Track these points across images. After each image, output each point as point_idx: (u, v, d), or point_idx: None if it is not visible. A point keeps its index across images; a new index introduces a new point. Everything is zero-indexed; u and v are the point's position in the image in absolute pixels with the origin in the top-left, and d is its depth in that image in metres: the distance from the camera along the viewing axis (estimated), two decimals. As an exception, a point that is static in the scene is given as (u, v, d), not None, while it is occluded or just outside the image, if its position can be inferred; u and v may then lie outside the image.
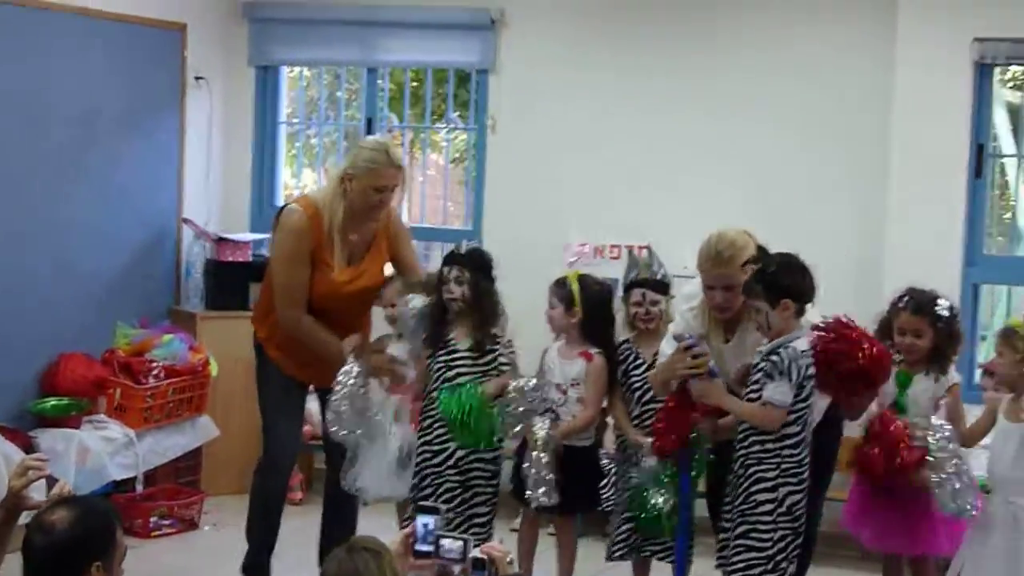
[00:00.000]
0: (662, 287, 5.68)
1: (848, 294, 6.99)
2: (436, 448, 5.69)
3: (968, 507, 4.96)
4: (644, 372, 5.60)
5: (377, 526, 5.45)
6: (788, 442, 5.07)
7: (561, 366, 5.79)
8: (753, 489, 5.11)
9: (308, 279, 5.67)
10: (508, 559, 3.91)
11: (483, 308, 5.65)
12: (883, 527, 5.34)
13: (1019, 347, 5.03)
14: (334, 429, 5.64)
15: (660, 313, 5.65)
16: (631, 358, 5.69)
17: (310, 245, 5.66)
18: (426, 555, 4.06)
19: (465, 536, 4.02)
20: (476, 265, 5.68)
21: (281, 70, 8.89)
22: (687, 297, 5.53)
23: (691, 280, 5.50)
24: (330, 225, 5.64)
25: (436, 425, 5.69)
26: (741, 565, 5.15)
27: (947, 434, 5.01)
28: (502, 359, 5.67)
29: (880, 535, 5.39)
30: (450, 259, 5.70)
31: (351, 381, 5.60)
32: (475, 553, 3.93)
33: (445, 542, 4.00)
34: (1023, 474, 4.94)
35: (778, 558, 5.11)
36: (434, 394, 5.70)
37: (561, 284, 5.82)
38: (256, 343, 5.99)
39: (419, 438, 5.77)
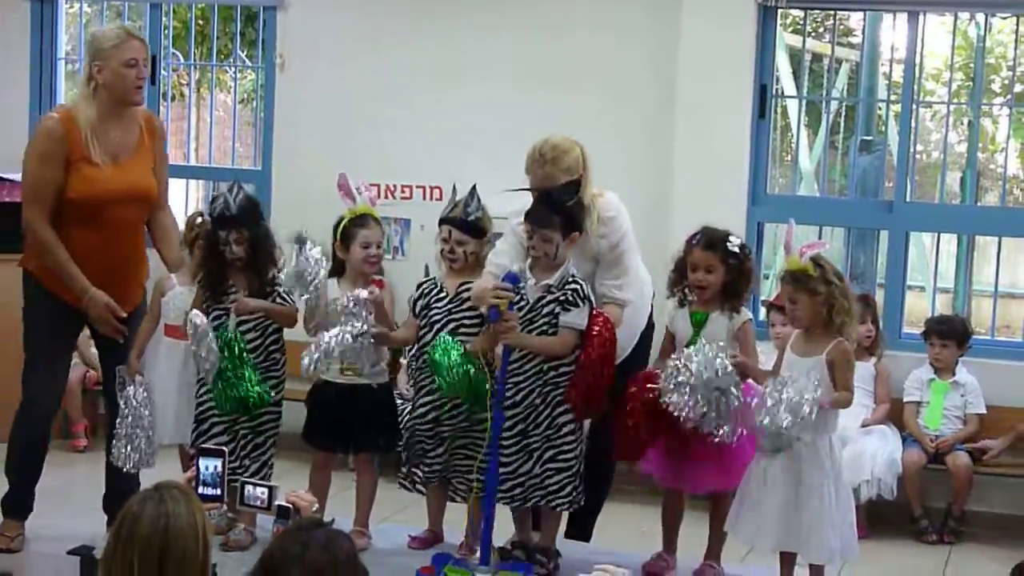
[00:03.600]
0: (471, 228, 5.57)
1: (638, 234, 7.10)
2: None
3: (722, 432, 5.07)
4: (445, 305, 5.59)
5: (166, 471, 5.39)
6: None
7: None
8: (556, 412, 5.32)
9: (56, 181, 5.53)
10: (314, 508, 3.89)
11: (263, 257, 5.68)
12: (672, 464, 5.42)
13: (819, 289, 5.09)
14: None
15: (466, 254, 5.58)
16: (434, 291, 5.65)
17: (64, 147, 5.53)
18: (212, 499, 4.01)
19: (271, 484, 3.96)
20: (249, 219, 5.66)
21: (59, 4, 8.59)
22: (517, 212, 5.54)
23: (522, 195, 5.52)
24: (86, 124, 5.52)
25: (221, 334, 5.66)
26: (555, 487, 5.34)
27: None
28: (277, 300, 5.70)
29: (670, 472, 5.46)
30: (223, 222, 5.63)
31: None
32: (280, 501, 3.89)
33: (250, 489, 3.95)
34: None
35: (581, 472, 5.40)
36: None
37: (379, 222, 5.76)
38: (25, 274, 5.81)
39: (199, 385, 5.74)
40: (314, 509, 3.90)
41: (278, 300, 5.70)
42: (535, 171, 5.47)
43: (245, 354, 5.58)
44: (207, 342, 5.49)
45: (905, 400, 7.11)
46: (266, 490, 3.94)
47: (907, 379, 7.13)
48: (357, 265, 5.66)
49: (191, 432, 5.72)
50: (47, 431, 5.93)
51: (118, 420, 5.70)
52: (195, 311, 5.54)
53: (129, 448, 5.67)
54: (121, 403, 5.68)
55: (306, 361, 5.43)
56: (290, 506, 3.87)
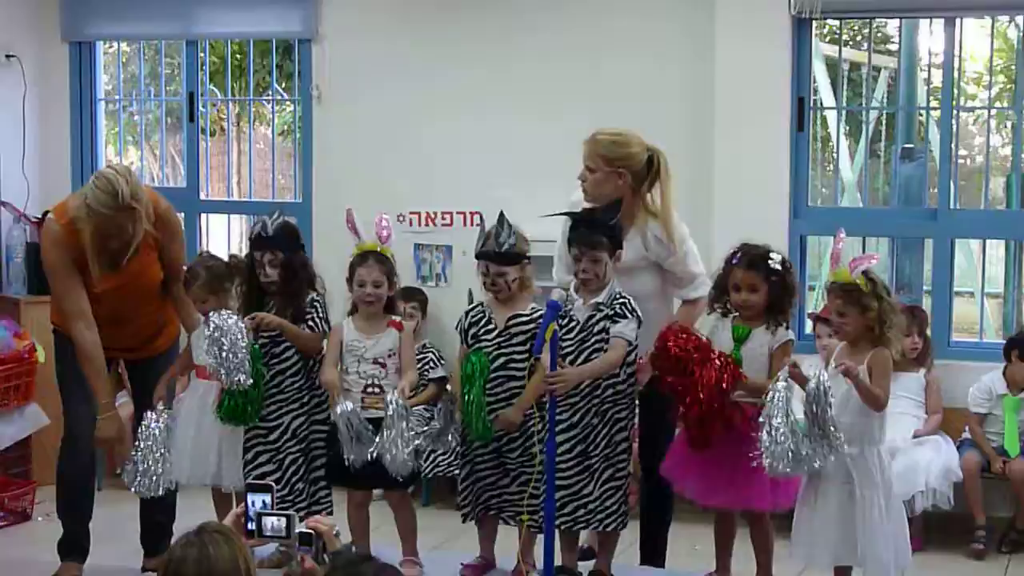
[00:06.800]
0: (507, 258, 5.53)
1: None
2: (271, 424, 5.68)
3: (780, 467, 4.99)
4: (495, 338, 5.58)
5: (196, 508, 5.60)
6: (630, 379, 5.37)
7: (369, 342, 5.68)
8: (614, 430, 5.34)
9: (79, 284, 5.67)
10: (334, 531, 3.88)
11: (297, 282, 5.69)
12: (706, 482, 5.37)
13: (871, 304, 5.04)
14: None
15: (507, 283, 5.53)
16: (483, 321, 5.62)
17: (71, 253, 5.63)
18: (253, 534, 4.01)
19: (288, 512, 3.94)
20: (286, 243, 5.69)
21: (97, 45, 8.66)
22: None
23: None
24: (85, 239, 5.57)
25: (268, 402, 5.67)
26: (613, 507, 5.35)
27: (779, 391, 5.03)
28: (311, 322, 5.67)
29: (704, 490, 5.43)
30: (260, 243, 5.67)
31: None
32: (300, 528, 3.88)
33: (268, 521, 3.92)
34: (851, 420, 4.99)
35: (626, 488, 5.41)
36: (263, 371, 5.68)
37: (383, 260, 5.72)
38: (53, 325, 5.98)
39: None
40: (335, 532, 3.88)
41: (309, 323, 5.67)
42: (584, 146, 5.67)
43: (259, 369, 5.59)
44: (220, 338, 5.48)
45: (972, 410, 7.00)
46: (284, 519, 3.90)
47: (973, 388, 7.01)
48: (358, 304, 5.68)
49: (242, 462, 5.71)
50: (91, 463, 6.03)
51: (134, 446, 5.78)
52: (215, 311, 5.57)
53: (139, 475, 5.74)
54: (139, 431, 5.75)
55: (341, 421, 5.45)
56: (311, 532, 3.85)
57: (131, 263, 5.69)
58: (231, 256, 6.08)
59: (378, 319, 5.67)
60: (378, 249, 5.65)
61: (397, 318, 5.71)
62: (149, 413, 5.77)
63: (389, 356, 5.62)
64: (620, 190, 5.59)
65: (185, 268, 5.88)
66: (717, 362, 5.15)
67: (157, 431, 5.74)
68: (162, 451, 5.72)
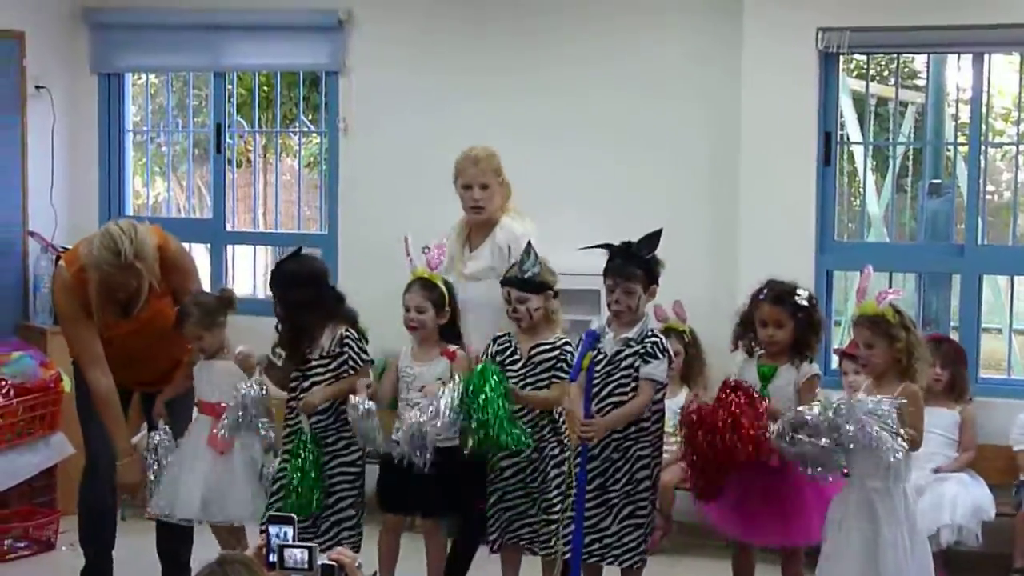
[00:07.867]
0: (529, 285, 5.57)
1: (704, 286, 7.09)
2: (298, 457, 5.67)
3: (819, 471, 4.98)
4: (521, 368, 5.59)
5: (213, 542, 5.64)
6: (656, 416, 5.38)
7: (420, 369, 5.70)
8: (635, 468, 5.34)
9: (92, 330, 5.69)
10: (357, 563, 3.86)
11: (293, 322, 5.66)
12: (749, 520, 5.35)
13: (899, 335, 5.02)
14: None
15: (529, 312, 5.56)
16: (508, 350, 5.65)
17: (81, 300, 5.65)
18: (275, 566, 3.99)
19: (310, 544, 3.92)
20: (279, 283, 5.70)
21: (126, 77, 8.71)
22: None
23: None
24: (93, 288, 5.60)
25: (295, 436, 5.67)
26: (632, 544, 5.35)
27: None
28: (350, 361, 5.63)
29: (747, 528, 5.39)
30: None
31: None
32: (323, 560, 3.86)
33: (289, 553, 3.90)
34: (876, 457, 4.96)
35: (648, 529, 5.44)
36: (292, 403, 5.71)
37: (430, 287, 5.73)
38: (72, 357, 6.00)
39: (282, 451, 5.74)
40: (357, 564, 3.86)
41: (349, 363, 5.64)
42: (466, 168, 6.24)
43: (317, 455, 5.57)
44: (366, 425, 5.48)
45: (1015, 449, 6.83)
46: (305, 551, 3.88)
47: (1015, 426, 6.85)
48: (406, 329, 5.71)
49: (248, 496, 5.72)
50: (113, 491, 5.98)
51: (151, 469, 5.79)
52: (358, 398, 5.51)
53: (156, 495, 5.76)
54: (147, 450, 5.78)
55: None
56: (334, 564, 3.83)
57: (142, 311, 5.71)
58: (222, 290, 6.08)
59: (431, 346, 5.70)
60: (426, 276, 5.68)
61: (452, 347, 5.71)
62: (153, 432, 5.80)
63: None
64: (503, 197, 6.19)
65: (176, 308, 5.83)
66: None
67: (164, 448, 5.77)
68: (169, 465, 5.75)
